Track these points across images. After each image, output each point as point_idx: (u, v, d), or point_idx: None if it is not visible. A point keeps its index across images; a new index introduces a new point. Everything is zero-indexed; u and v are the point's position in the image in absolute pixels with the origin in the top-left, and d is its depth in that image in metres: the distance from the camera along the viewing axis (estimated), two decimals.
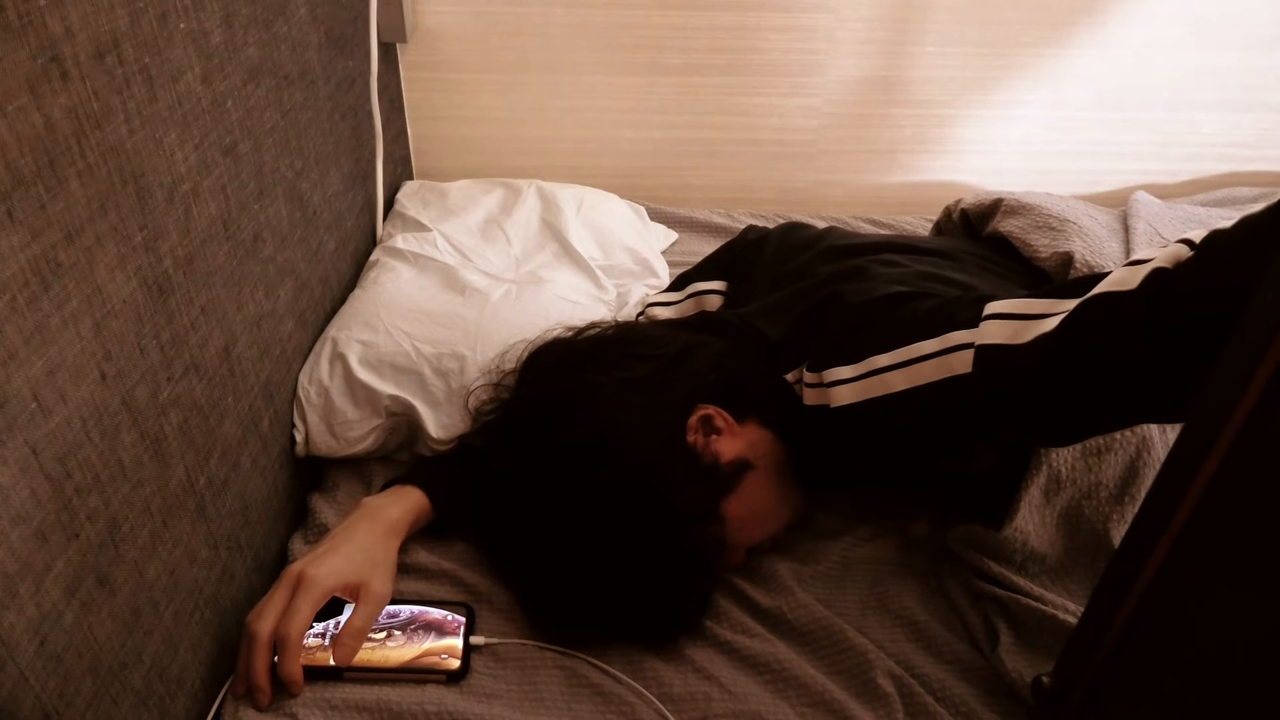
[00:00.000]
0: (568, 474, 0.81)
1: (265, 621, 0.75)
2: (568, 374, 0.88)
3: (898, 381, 0.74)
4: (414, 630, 0.81)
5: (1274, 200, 0.54)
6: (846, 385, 0.77)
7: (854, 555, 0.91)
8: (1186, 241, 0.62)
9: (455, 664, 0.79)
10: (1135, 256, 0.64)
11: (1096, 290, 0.64)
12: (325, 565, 0.78)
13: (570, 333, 0.95)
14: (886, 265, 0.88)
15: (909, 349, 0.74)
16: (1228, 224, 0.59)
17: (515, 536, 0.86)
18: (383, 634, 0.80)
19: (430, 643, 0.80)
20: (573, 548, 0.80)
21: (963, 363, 0.70)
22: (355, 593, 0.79)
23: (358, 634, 0.78)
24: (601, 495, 0.79)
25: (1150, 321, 0.60)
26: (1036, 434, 0.78)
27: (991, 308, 0.71)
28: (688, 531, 0.80)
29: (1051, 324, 0.66)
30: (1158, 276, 0.60)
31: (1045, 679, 0.53)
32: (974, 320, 0.71)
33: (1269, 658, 0.40)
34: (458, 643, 0.80)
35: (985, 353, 0.69)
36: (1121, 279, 0.63)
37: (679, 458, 0.82)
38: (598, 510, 0.79)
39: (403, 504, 0.87)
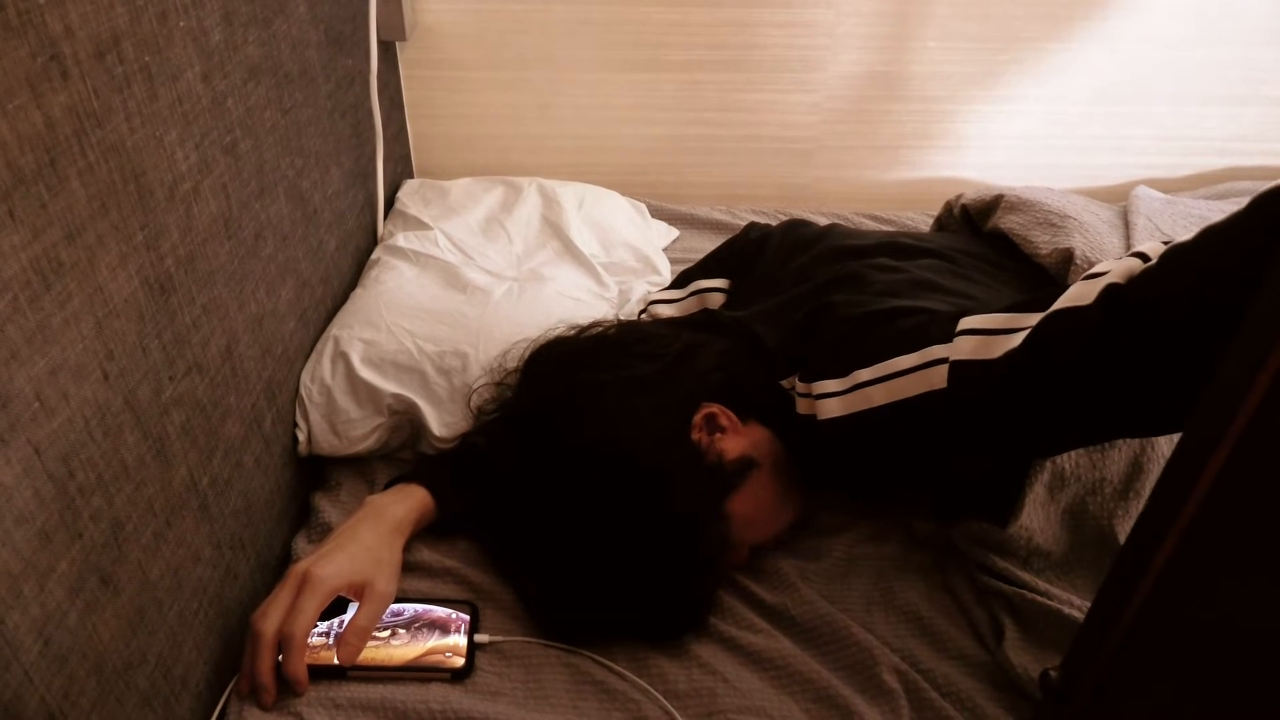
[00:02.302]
0: (572, 473, 0.81)
1: (270, 620, 0.75)
2: (571, 373, 0.88)
3: (878, 396, 0.75)
4: (418, 629, 0.81)
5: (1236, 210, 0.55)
6: (834, 399, 0.78)
7: (858, 551, 0.91)
8: (1139, 255, 0.63)
9: (460, 662, 0.79)
10: (1092, 270, 0.65)
11: (1055, 306, 0.65)
12: (330, 564, 0.78)
13: (573, 331, 0.95)
14: (883, 271, 0.88)
15: (889, 364, 0.74)
16: (1186, 235, 0.60)
17: (519, 536, 0.85)
18: (387, 632, 0.80)
19: (434, 641, 0.80)
20: (577, 547, 0.80)
21: (940, 377, 0.71)
22: (360, 591, 0.79)
23: (362, 633, 0.78)
24: (606, 494, 0.79)
25: (1108, 335, 0.62)
26: (1016, 446, 0.79)
27: (964, 323, 0.72)
28: (692, 530, 0.80)
29: (1019, 339, 0.67)
30: (1111, 292, 0.62)
31: (1053, 673, 0.53)
32: (949, 335, 0.72)
33: (1277, 651, 0.40)
34: (462, 641, 0.80)
35: (958, 368, 0.70)
36: (1078, 294, 0.64)
37: (684, 456, 0.82)
38: (602, 509, 0.79)
39: (407, 502, 0.87)
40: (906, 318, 0.78)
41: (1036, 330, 0.66)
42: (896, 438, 0.76)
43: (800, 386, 0.82)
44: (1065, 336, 0.64)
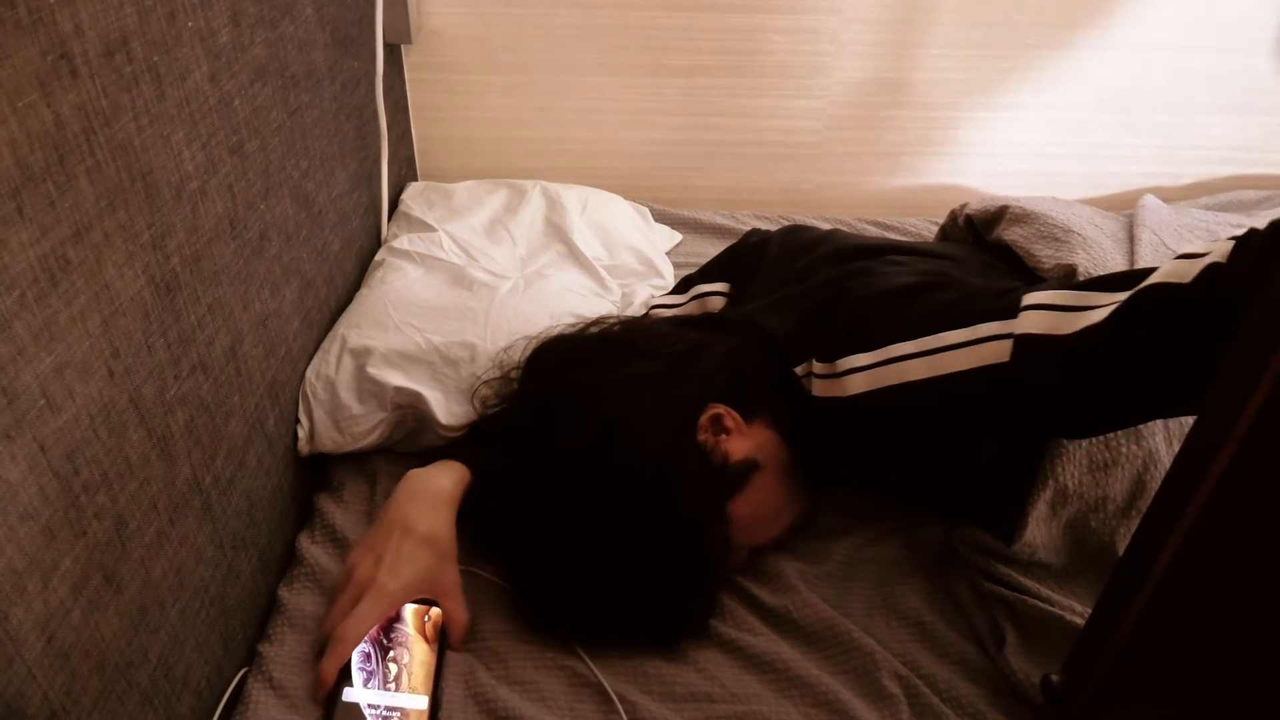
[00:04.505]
0: (574, 471, 0.81)
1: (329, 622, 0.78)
2: (575, 370, 0.88)
3: (916, 370, 0.74)
4: (398, 644, 0.79)
5: None
6: (861, 373, 0.77)
7: (860, 555, 0.91)
8: (1235, 238, 0.63)
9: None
10: (1188, 251, 0.65)
11: (1152, 280, 0.65)
12: (396, 577, 0.79)
13: (575, 328, 0.95)
14: (892, 265, 0.88)
15: (934, 338, 0.74)
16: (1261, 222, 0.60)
17: (519, 536, 0.85)
18: (395, 667, 0.79)
19: (423, 643, 0.79)
20: (577, 546, 0.80)
21: (996, 353, 0.70)
22: (431, 592, 0.81)
23: (466, 626, 0.81)
24: (609, 493, 0.79)
25: (1207, 314, 0.62)
26: (1060, 425, 0.78)
27: (1030, 298, 0.71)
28: (695, 532, 0.80)
29: (1098, 315, 0.67)
30: (1213, 270, 0.62)
31: (1054, 678, 0.53)
32: (1008, 310, 0.71)
33: (1278, 656, 0.40)
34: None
35: (1026, 343, 0.70)
36: (1177, 271, 0.64)
37: (689, 457, 0.82)
38: (605, 508, 0.79)
39: (452, 474, 0.87)
40: (941, 290, 0.77)
41: (1129, 304, 0.65)
42: (927, 415, 0.76)
43: (819, 367, 0.82)
44: (1163, 312, 0.64)
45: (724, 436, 0.85)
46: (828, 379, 0.81)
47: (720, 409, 0.85)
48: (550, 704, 0.78)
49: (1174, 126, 1.53)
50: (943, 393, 0.73)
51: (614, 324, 0.95)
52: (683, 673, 0.80)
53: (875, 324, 0.78)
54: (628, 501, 0.79)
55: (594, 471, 0.80)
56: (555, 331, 0.95)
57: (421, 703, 0.76)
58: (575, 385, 0.86)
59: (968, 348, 0.72)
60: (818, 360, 0.82)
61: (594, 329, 0.94)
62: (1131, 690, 0.49)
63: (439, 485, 0.85)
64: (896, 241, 1.00)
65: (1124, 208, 1.27)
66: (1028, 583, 0.83)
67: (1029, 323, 0.70)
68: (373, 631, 0.78)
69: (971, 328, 0.72)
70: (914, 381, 0.74)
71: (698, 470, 0.81)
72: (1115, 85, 1.48)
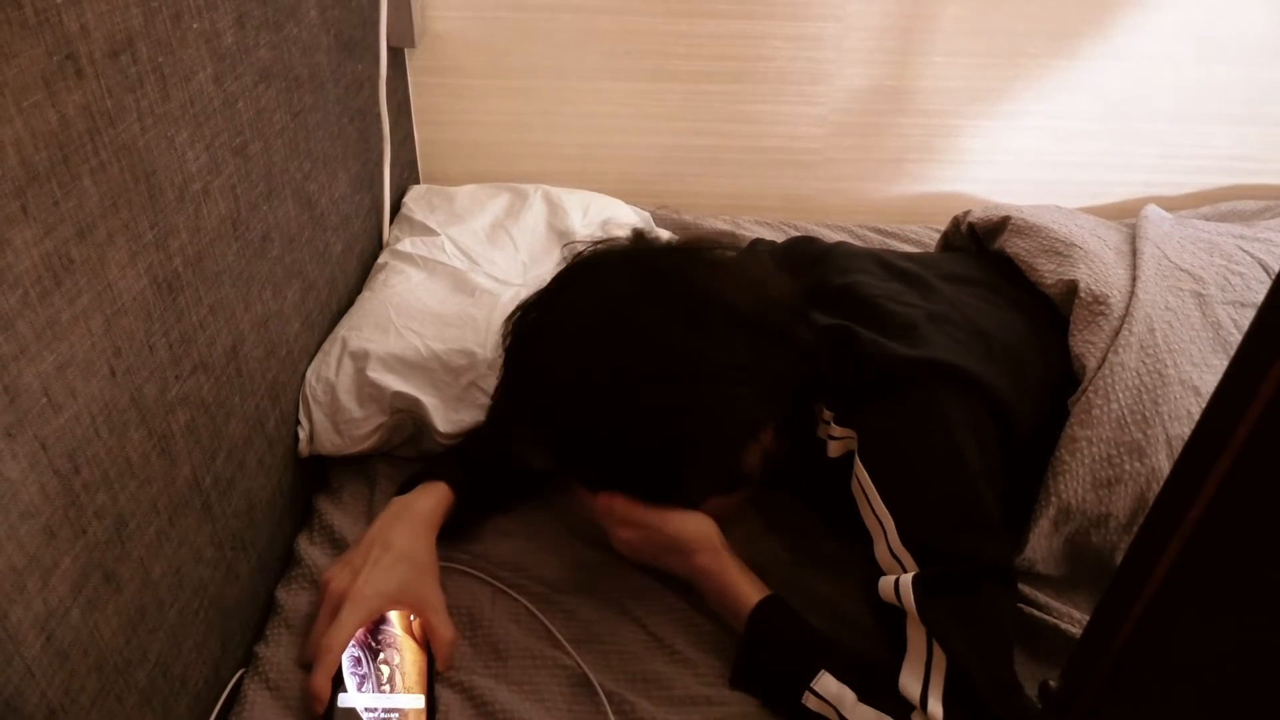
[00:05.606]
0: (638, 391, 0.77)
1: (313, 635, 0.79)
2: (711, 291, 0.81)
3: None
4: (388, 647, 0.79)
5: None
6: (837, 443, 0.81)
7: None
8: None
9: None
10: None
11: None
12: (371, 585, 0.79)
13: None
14: (900, 304, 0.86)
15: (884, 513, 0.77)
16: None
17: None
18: (386, 669, 0.78)
19: (413, 647, 0.80)
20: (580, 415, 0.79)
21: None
22: (408, 608, 0.81)
23: (452, 641, 0.81)
24: (633, 423, 0.77)
25: None
26: None
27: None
28: (672, 497, 0.82)
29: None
30: None
31: (1052, 684, 0.53)
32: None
33: (1277, 662, 0.40)
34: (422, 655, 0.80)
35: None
36: None
37: (724, 446, 0.81)
38: (625, 413, 0.77)
39: (433, 496, 0.88)
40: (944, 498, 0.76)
41: None
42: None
43: (827, 414, 0.84)
44: None
45: (752, 445, 0.83)
46: (828, 425, 0.83)
47: (773, 425, 0.84)
48: (549, 704, 0.78)
49: (1174, 135, 1.53)
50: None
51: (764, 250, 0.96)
52: (681, 676, 0.81)
53: (868, 421, 0.80)
54: (642, 442, 0.77)
55: (641, 404, 0.76)
56: (717, 228, 0.93)
57: (418, 702, 0.76)
58: (705, 304, 0.79)
59: (886, 552, 0.77)
60: (827, 407, 0.84)
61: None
62: (1130, 697, 0.49)
63: (420, 508, 0.87)
64: (902, 268, 0.98)
65: (1124, 216, 1.27)
66: (1025, 590, 0.83)
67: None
68: (360, 635, 0.78)
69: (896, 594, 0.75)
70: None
71: (719, 458, 0.81)
72: (1116, 94, 1.49)
